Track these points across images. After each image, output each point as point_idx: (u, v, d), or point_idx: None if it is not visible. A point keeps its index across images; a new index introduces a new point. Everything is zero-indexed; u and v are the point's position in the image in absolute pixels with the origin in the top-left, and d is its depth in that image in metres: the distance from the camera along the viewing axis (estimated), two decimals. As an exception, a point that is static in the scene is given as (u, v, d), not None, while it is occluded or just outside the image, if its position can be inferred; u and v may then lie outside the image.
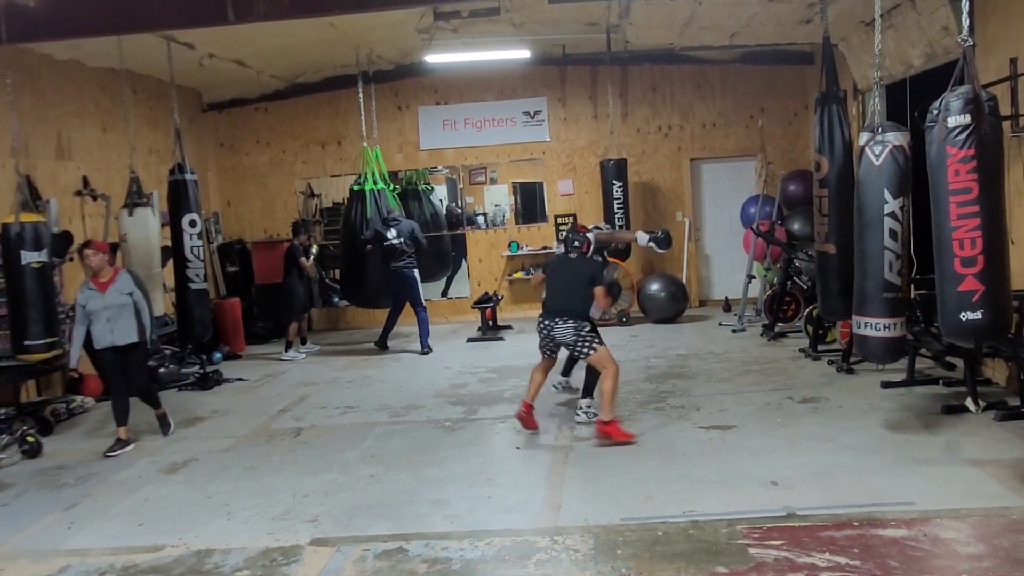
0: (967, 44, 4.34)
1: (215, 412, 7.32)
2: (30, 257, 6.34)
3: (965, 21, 4.38)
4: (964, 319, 4.39)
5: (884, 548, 3.78)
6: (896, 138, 4.83)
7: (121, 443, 6.21)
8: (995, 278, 4.39)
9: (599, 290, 5.83)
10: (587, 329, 5.78)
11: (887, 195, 4.84)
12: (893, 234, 4.87)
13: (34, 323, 6.37)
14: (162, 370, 8.22)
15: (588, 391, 6.09)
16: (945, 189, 4.39)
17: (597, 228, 7.39)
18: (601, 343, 5.80)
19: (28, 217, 6.40)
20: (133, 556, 4.29)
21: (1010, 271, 4.62)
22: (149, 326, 6.44)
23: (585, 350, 5.76)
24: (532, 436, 5.92)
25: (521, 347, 8.93)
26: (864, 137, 4.96)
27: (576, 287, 5.82)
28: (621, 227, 10.32)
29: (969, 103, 4.28)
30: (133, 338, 6.28)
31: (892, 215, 4.86)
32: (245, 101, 11.45)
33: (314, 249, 9.79)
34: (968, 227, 4.33)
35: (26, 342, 6.39)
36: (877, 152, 4.86)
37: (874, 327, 5.01)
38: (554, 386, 6.77)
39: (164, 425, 6.62)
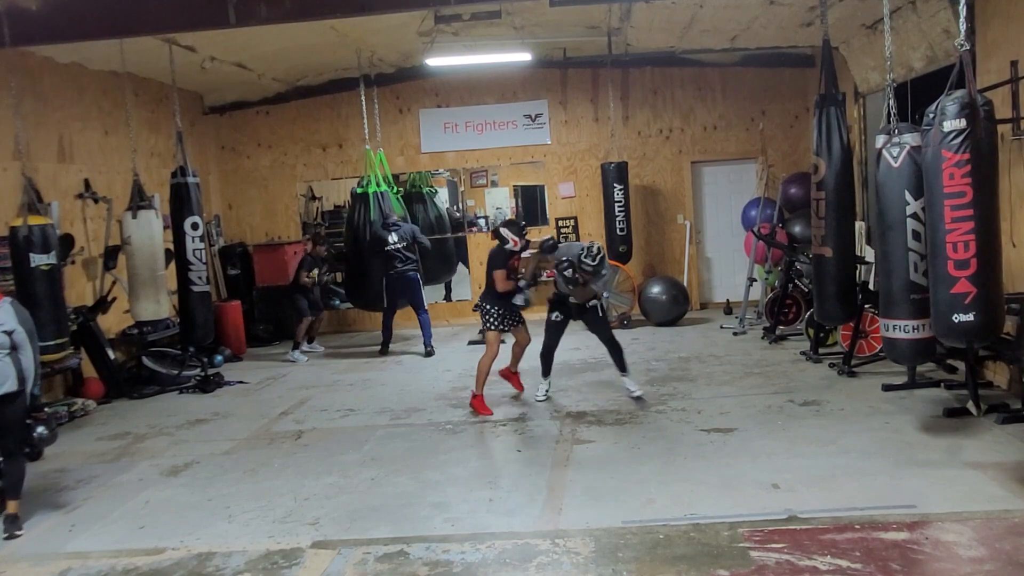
0: (964, 48, 4.34)
1: (216, 415, 7.33)
2: (39, 259, 6.35)
3: (963, 25, 4.38)
4: (956, 321, 4.41)
5: (885, 551, 3.78)
6: (913, 139, 4.81)
7: (12, 520, 4.81)
8: (988, 281, 4.40)
9: (497, 273, 6.61)
10: (486, 309, 6.71)
11: (908, 196, 4.83)
12: (916, 235, 4.84)
13: (44, 325, 6.34)
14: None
15: (622, 368, 6.78)
16: (940, 192, 4.40)
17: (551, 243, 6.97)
18: (494, 329, 6.71)
19: (36, 220, 6.40)
20: (134, 559, 4.30)
21: (1002, 274, 4.63)
22: (32, 374, 4.91)
23: (482, 325, 6.80)
24: (533, 439, 5.93)
25: (522, 350, 8.94)
26: (881, 140, 4.95)
27: (487, 271, 6.76)
28: (622, 232, 10.31)
29: (965, 108, 4.29)
30: (10, 387, 4.79)
31: (915, 216, 4.83)
32: (246, 104, 11.46)
33: (315, 272, 9.74)
34: (962, 230, 4.34)
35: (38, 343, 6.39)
36: (895, 154, 4.85)
37: (903, 329, 5.00)
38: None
39: (9, 522, 4.80)
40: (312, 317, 9.80)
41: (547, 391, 6.97)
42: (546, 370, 6.96)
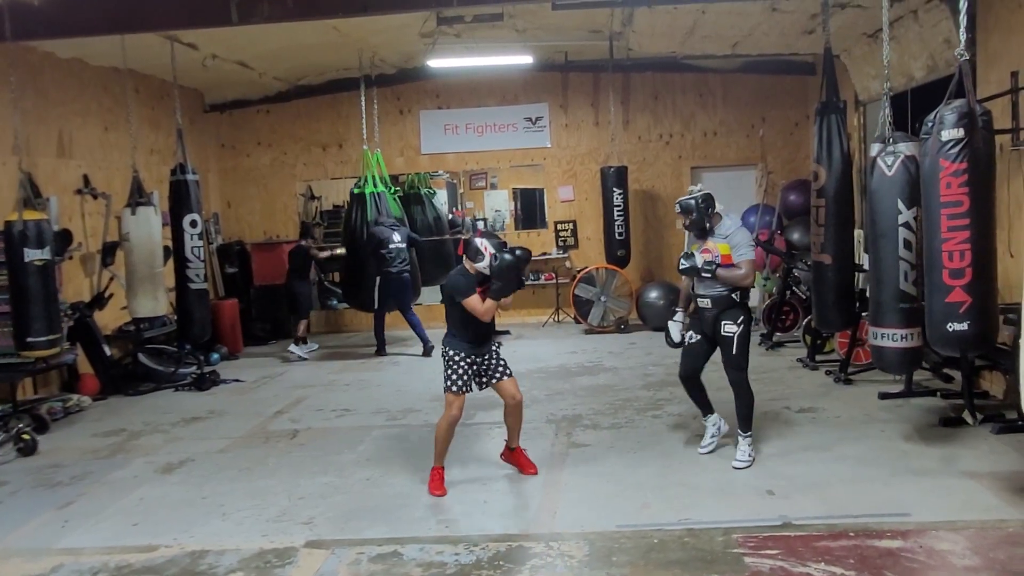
0: (963, 58, 4.36)
1: (211, 413, 7.31)
2: (33, 255, 6.36)
3: (963, 35, 4.39)
4: (950, 329, 4.42)
5: (880, 559, 3.78)
6: (908, 148, 4.83)
7: None
8: (982, 290, 4.42)
9: (469, 301, 4.80)
10: (449, 355, 4.91)
11: (901, 205, 4.85)
12: (907, 244, 4.87)
13: (37, 320, 6.38)
14: None
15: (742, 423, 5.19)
16: (936, 201, 4.41)
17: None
18: (449, 389, 4.89)
19: (31, 215, 6.41)
20: (127, 556, 4.28)
21: (997, 284, 4.64)
22: None
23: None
24: (528, 442, 5.90)
25: (518, 352, 8.91)
26: (876, 148, 4.97)
27: (448, 302, 4.94)
28: (621, 236, 10.31)
29: (963, 117, 4.30)
30: None
31: (906, 225, 4.85)
32: (247, 102, 11.47)
33: (341, 250, 9.72)
34: (957, 240, 4.36)
35: (29, 339, 6.40)
36: (889, 163, 4.87)
37: (891, 338, 5.01)
38: None
39: None
40: (306, 318, 9.82)
41: (714, 436, 5.42)
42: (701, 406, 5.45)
